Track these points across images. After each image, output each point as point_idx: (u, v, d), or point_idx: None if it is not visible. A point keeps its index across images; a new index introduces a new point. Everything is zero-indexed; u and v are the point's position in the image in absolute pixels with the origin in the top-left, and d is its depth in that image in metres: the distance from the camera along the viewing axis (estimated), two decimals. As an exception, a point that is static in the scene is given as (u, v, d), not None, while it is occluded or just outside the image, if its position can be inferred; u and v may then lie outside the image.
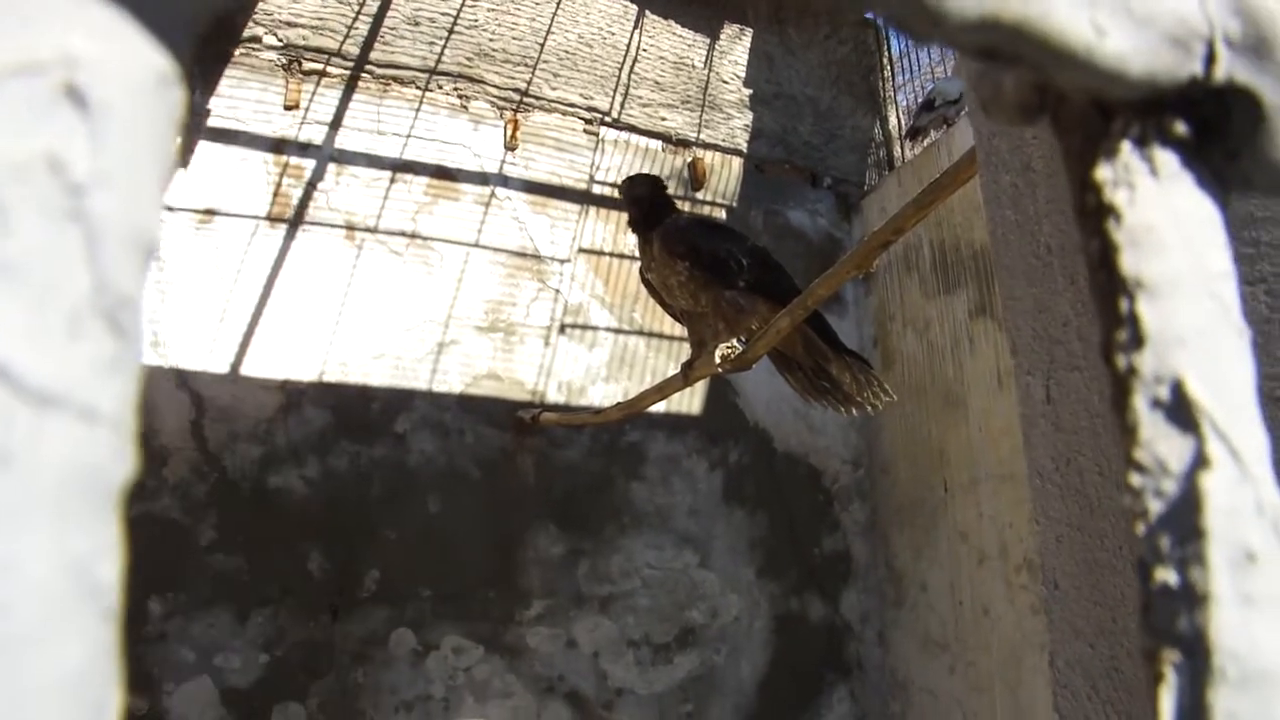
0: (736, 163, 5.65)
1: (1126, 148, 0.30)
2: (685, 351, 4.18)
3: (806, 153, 5.82)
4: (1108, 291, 0.30)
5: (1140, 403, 0.29)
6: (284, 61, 4.70)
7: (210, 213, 4.44)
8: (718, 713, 4.87)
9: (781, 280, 3.49)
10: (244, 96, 4.60)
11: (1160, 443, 0.28)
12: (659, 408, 4.62)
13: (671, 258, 3.40)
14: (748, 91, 5.71)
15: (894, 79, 6.12)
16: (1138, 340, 0.29)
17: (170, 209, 4.36)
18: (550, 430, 4.78)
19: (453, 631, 4.48)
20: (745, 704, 4.94)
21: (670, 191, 3.74)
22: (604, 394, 5.00)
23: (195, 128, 4.48)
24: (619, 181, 3.88)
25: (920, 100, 5.65)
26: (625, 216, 3.69)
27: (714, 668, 4.92)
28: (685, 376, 3.63)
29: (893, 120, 6.04)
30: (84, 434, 0.18)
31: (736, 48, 5.74)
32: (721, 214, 5.52)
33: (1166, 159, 0.31)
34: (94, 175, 0.19)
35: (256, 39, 4.64)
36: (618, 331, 5.14)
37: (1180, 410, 0.28)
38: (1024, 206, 1.72)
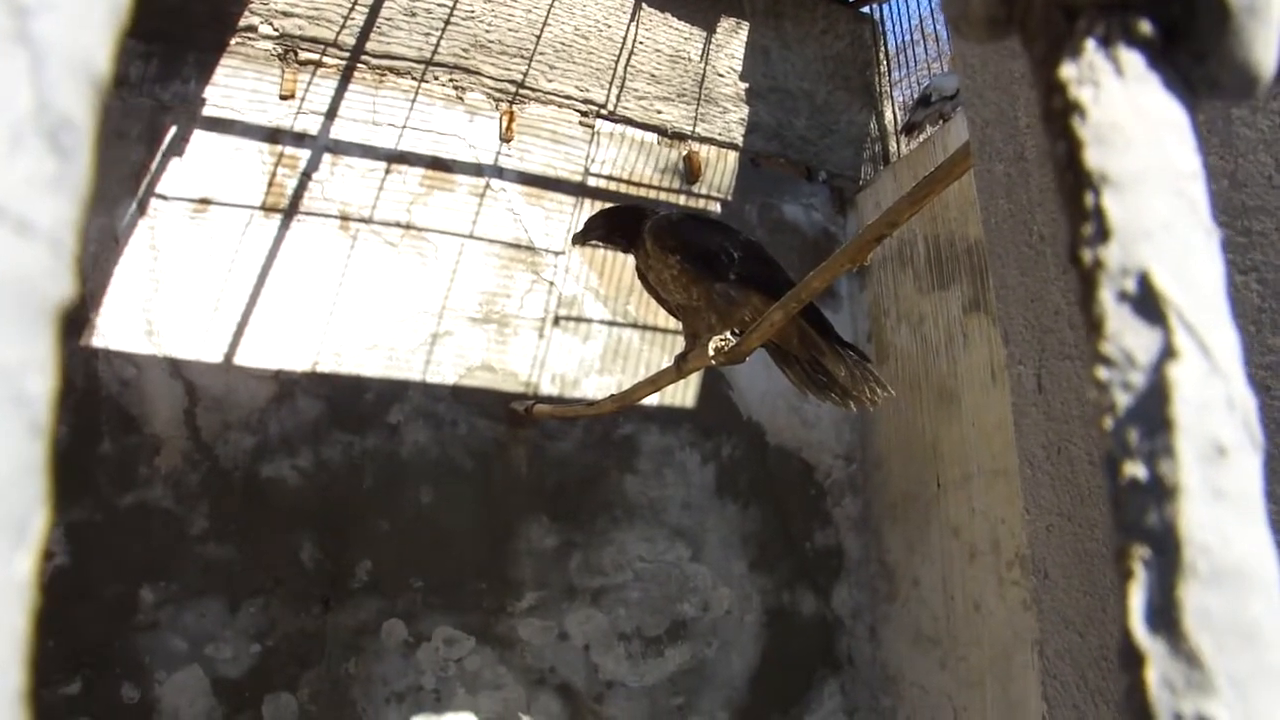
0: (732, 156, 5.66)
1: (1090, 46, 0.30)
2: (679, 344, 4.19)
3: (802, 147, 5.83)
4: (1073, 189, 0.30)
5: (1106, 295, 0.28)
6: (280, 51, 4.70)
7: (205, 202, 4.44)
8: (708, 706, 4.88)
9: (775, 274, 3.50)
10: (239, 86, 4.60)
11: (1127, 335, 0.28)
12: (652, 400, 4.63)
13: (663, 252, 3.41)
14: (744, 85, 5.71)
15: (890, 74, 6.13)
16: (1103, 234, 0.29)
17: (164, 198, 4.36)
18: (543, 422, 4.78)
19: (444, 623, 4.48)
20: (736, 697, 4.94)
21: (631, 205, 3.81)
22: (597, 386, 5.01)
23: (191, 117, 4.48)
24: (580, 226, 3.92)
25: (916, 95, 5.66)
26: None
27: (705, 661, 4.92)
28: (679, 369, 3.63)
29: (888, 115, 6.04)
30: (18, 246, 0.18)
31: (733, 41, 5.74)
32: (716, 208, 5.52)
33: (1132, 59, 0.30)
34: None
35: (252, 28, 4.64)
36: (611, 324, 5.14)
37: (1147, 302, 0.28)
38: (1017, 196, 1.72)
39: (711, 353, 3.39)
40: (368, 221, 4.73)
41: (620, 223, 3.64)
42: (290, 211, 4.60)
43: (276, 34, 4.69)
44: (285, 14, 4.70)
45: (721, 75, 5.67)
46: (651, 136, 5.48)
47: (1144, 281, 0.28)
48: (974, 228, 4.65)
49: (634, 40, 5.45)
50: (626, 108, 5.41)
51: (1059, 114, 0.30)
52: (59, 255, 0.18)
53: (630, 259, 3.79)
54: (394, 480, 4.52)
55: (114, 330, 4.19)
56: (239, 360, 4.37)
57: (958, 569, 4.74)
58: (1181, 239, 0.29)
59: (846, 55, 6.02)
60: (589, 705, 4.67)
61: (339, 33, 4.79)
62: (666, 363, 4.46)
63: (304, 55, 4.74)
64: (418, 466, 4.58)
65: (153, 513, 4.11)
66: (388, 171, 4.81)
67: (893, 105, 6.07)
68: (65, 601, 3.85)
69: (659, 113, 5.49)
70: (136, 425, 4.16)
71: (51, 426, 0.18)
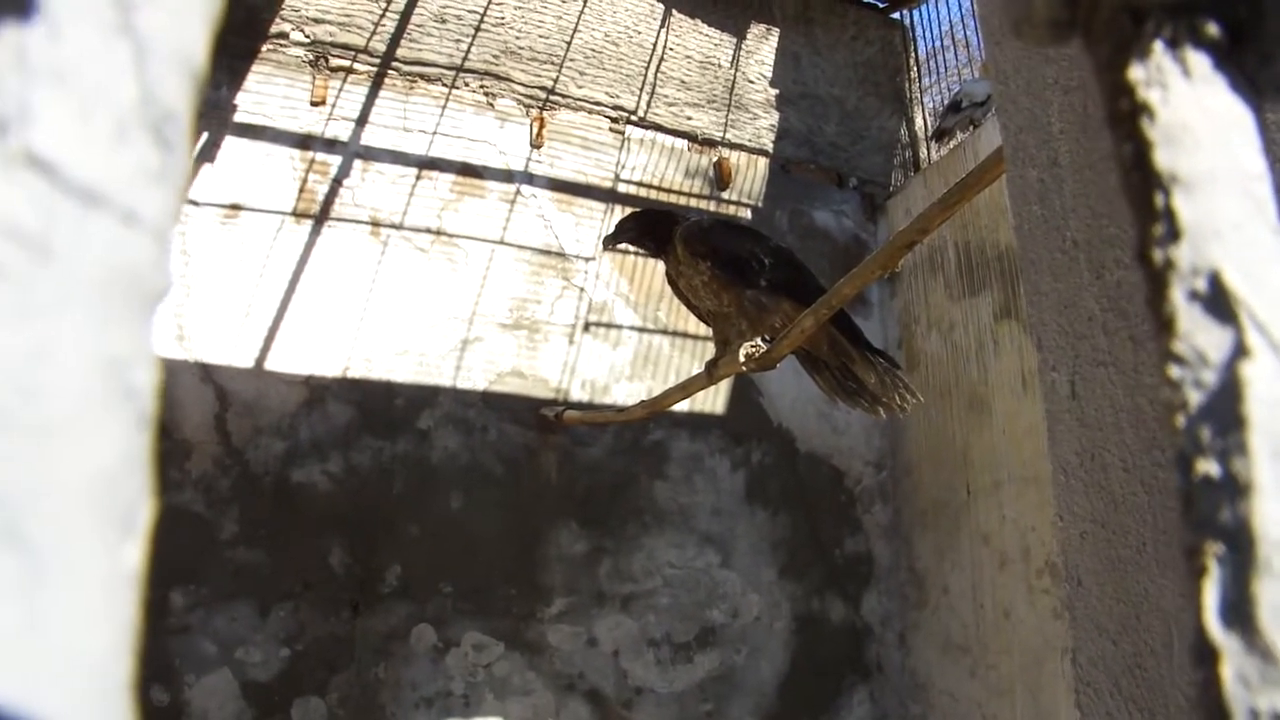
0: (762, 163, 5.65)
1: (1159, 48, 0.30)
2: (709, 350, 4.18)
3: (832, 153, 5.82)
4: (1142, 190, 0.30)
5: (1178, 295, 0.28)
6: (311, 58, 4.72)
7: (236, 208, 4.47)
8: (737, 712, 4.86)
9: (805, 280, 3.50)
10: (270, 93, 4.62)
11: (1199, 334, 0.28)
12: (682, 406, 4.62)
13: (694, 258, 3.42)
14: (774, 91, 5.71)
15: (920, 80, 6.11)
16: (1174, 234, 0.29)
17: (196, 204, 4.39)
18: (573, 428, 4.78)
19: (473, 628, 4.48)
20: (765, 704, 4.93)
21: (662, 210, 3.81)
22: (628, 392, 5.00)
23: (222, 123, 4.50)
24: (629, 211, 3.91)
25: (946, 102, 5.64)
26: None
27: (734, 667, 4.91)
28: (709, 375, 3.64)
29: (919, 121, 6.02)
30: (125, 236, 0.18)
31: (763, 47, 5.74)
32: (747, 214, 5.52)
33: (1199, 61, 0.30)
34: (142, -4, 0.19)
35: (283, 35, 4.66)
36: (642, 330, 5.14)
37: (1218, 301, 0.28)
38: (1050, 201, 1.72)
39: (742, 359, 3.39)
40: (398, 228, 4.74)
41: (651, 226, 3.65)
42: (321, 218, 4.62)
43: (308, 41, 4.71)
44: (316, 21, 4.72)
45: (752, 81, 5.67)
46: (682, 143, 5.48)
47: (1215, 281, 0.28)
48: (1004, 234, 4.64)
49: (664, 46, 5.45)
50: (657, 114, 5.41)
51: (1126, 115, 0.30)
52: (162, 246, 0.19)
53: (660, 265, 3.79)
54: (424, 485, 4.53)
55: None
56: (270, 365, 4.39)
57: (988, 576, 4.72)
58: (1250, 238, 0.29)
59: (877, 61, 6.01)
60: (618, 711, 4.66)
61: (370, 39, 4.81)
62: (697, 369, 4.45)
63: (335, 62, 4.76)
64: (448, 472, 4.59)
65: (183, 517, 4.12)
66: (418, 178, 4.82)
67: (923, 111, 6.06)
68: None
69: (689, 119, 5.49)
70: (167, 430, 4.18)
71: (156, 418, 0.18)
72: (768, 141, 5.66)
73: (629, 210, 4.40)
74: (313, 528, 4.30)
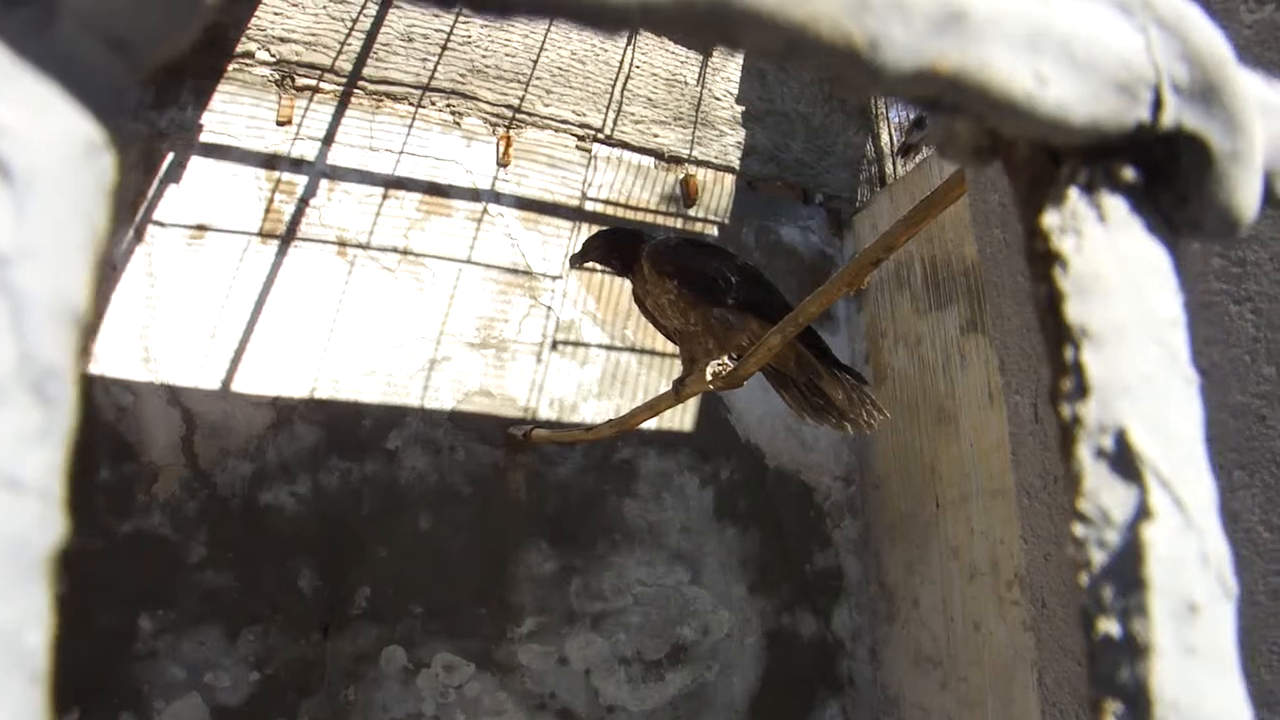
0: (729, 179, 5.66)
1: (1074, 194, 0.31)
2: (677, 368, 4.19)
3: (798, 169, 5.83)
4: (1054, 339, 0.30)
5: (1084, 452, 0.29)
6: (277, 77, 4.71)
7: (202, 229, 4.44)
8: (709, 730, 4.87)
9: (772, 298, 3.51)
10: (236, 112, 4.60)
11: (1104, 493, 0.28)
12: (651, 425, 4.62)
13: (661, 277, 3.43)
14: (740, 108, 5.72)
15: (886, 96, 6.12)
16: (1082, 389, 0.29)
17: (161, 225, 4.37)
18: (542, 447, 4.78)
19: (444, 649, 4.47)
20: (737, 721, 4.94)
21: (629, 228, 3.83)
22: (596, 411, 5.00)
23: (188, 143, 4.48)
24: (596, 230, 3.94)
25: (912, 117, 5.66)
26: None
27: (706, 684, 4.91)
28: (677, 393, 3.64)
29: (885, 137, 6.04)
30: (8, 503, 0.18)
31: (729, 64, 5.75)
32: (714, 231, 5.53)
33: (1115, 205, 0.31)
34: (18, 248, 0.19)
35: (249, 55, 4.65)
36: (609, 348, 5.15)
37: (1123, 460, 0.28)
38: (1012, 225, 1.73)
39: (710, 377, 3.39)
40: (365, 247, 4.73)
41: (618, 245, 3.66)
42: (287, 238, 4.60)
43: (273, 60, 4.69)
44: (282, 40, 4.71)
45: (718, 99, 5.68)
46: (648, 160, 5.49)
47: (1121, 439, 0.28)
48: (970, 249, 4.66)
49: (630, 64, 5.46)
50: (623, 132, 5.42)
51: (1041, 257, 0.30)
52: (48, 504, 0.19)
53: (627, 283, 3.80)
54: (392, 506, 4.52)
55: (111, 357, 4.18)
56: (236, 387, 4.37)
57: (957, 589, 4.73)
58: (1161, 390, 0.29)
59: (842, 77, 6.02)
60: (590, 730, 4.66)
61: (336, 58, 4.79)
62: (664, 387, 4.46)
63: (301, 81, 4.75)
64: (416, 492, 4.58)
65: (150, 541, 4.10)
66: (385, 197, 4.81)
67: (889, 127, 6.08)
68: (63, 631, 3.83)
69: (656, 136, 5.50)
70: (134, 453, 4.16)
71: (48, 673, 0.18)
72: (734, 158, 5.67)
73: (596, 229, 4.41)
74: (281, 550, 4.28)
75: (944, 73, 0.26)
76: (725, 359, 3.41)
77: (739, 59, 5.73)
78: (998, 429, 4.40)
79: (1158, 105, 0.30)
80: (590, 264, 3.78)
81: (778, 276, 5.02)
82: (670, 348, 4.61)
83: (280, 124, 4.68)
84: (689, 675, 4.89)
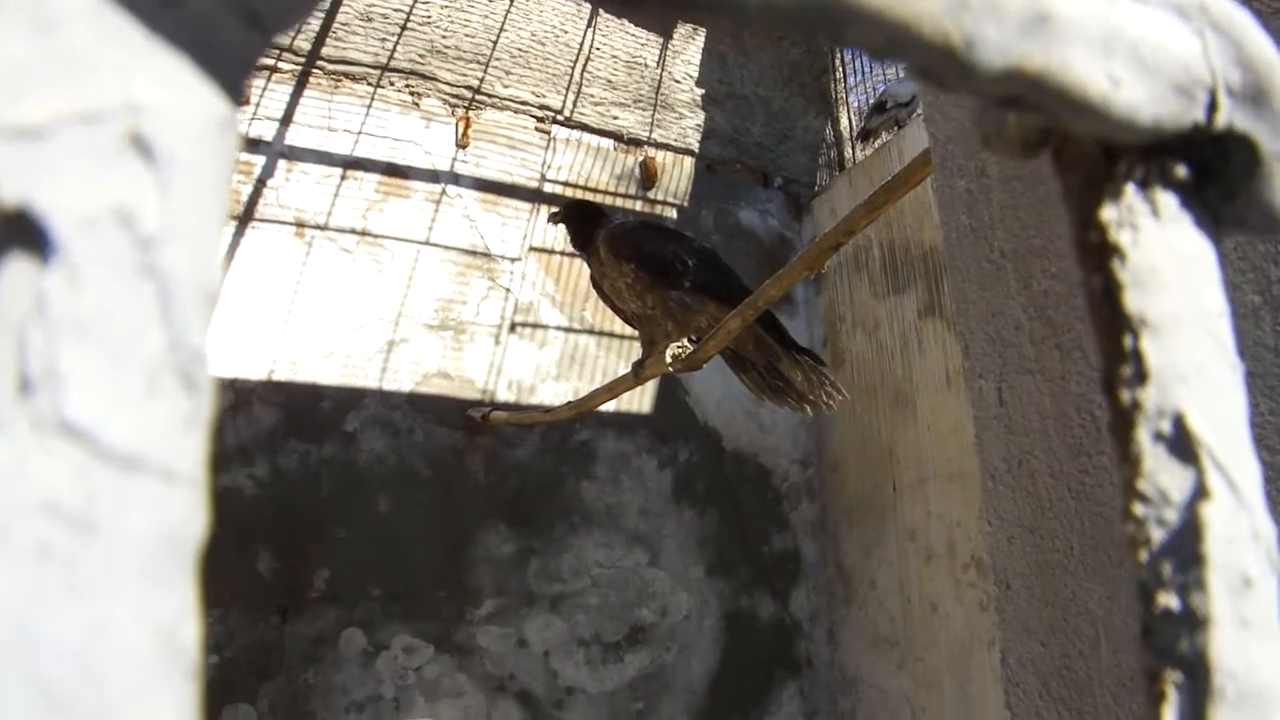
0: (688, 162, 5.67)
1: (1131, 190, 0.31)
2: (636, 350, 4.20)
3: (758, 153, 5.85)
4: (1111, 328, 0.31)
5: (1143, 436, 0.29)
6: (233, 57, 4.65)
7: (158, 209, 4.39)
8: (668, 711, 4.89)
9: (729, 281, 3.53)
10: (193, 92, 4.54)
11: (1162, 474, 0.29)
12: (609, 407, 4.62)
13: (618, 260, 3.44)
14: (700, 91, 5.72)
15: (845, 81, 6.15)
16: (1141, 376, 0.30)
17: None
18: (500, 429, 4.77)
19: (403, 631, 4.46)
20: (696, 702, 4.95)
21: (598, 206, 3.87)
22: (554, 393, 5.00)
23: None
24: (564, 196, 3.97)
25: (872, 102, 5.69)
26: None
27: (664, 666, 4.93)
28: (636, 376, 3.65)
29: (844, 121, 6.07)
30: (165, 495, 0.18)
31: (689, 47, 5.74)
32: (673, 213, 5.53)
33: (1167, 201, 0.32)
34: (163, 227, 0.19)
35: (205, 34, 4.59)
36: (568, 330, 5.14)
37: (1181, 443, 0.29)
38: (978, 212, 1.74)
39: (669, 360, 3.41)
40: (323, 228, 4.69)
41: (583, 215, 3.69)
42: (245, 219, 4.55)
43: (230, 39, 4.64)
44: (239, 19, 4.65)
45: (678, 81, 5.68)
46: (608, 142, 5.48)
47: (1179, 423, 0.29)
48: (929, 233, 4.69)
49: (590, 46, 5.44)
50: (583, 114, 5.40)
51: (1096, 250, 0.31)
52: (197, 494, 0.19)
53: (584, 264, 3.81)
54: (351, 489, 4.50)
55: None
56: (194, 369, 4.33)
57: (914, 571, 4.77)
58: (1212, 378, 0.30)
59: (802, 62, 6.04)
60: (549, 712, 4.66)
61: (294, 38, 4.74)
62: (623, 369, 4.46)
63: (259, 60, 4.69)
64: (375, 475, 4.56)
65: (107, 524, 4.06)
66: (343, 178, 4.77)
67: (848, 111, 6.11)
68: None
69: (615, 119, 5.49)
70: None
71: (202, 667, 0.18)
72: (694, 141, 5.68)
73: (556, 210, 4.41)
74: (240, 533, 4.25)
75: (1030, 72, 0.27)
76: (684, 341, 3.43)
77: (699, 41, 5.73)
78: (955, 412, 4.44)
79: (1212, 107, 0.31)
80: (559, 222, 3.81)
81: (736, 260, 5.03)
82: (629, 330, 4.61)
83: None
84: (648, 656, 4.91)
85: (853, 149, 5.91)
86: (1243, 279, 1.24)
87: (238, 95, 0.21)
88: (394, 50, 4.96)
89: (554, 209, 3.83)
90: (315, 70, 4.80)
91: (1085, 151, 0.32)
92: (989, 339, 1.68)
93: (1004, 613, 1.67)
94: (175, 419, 0.18)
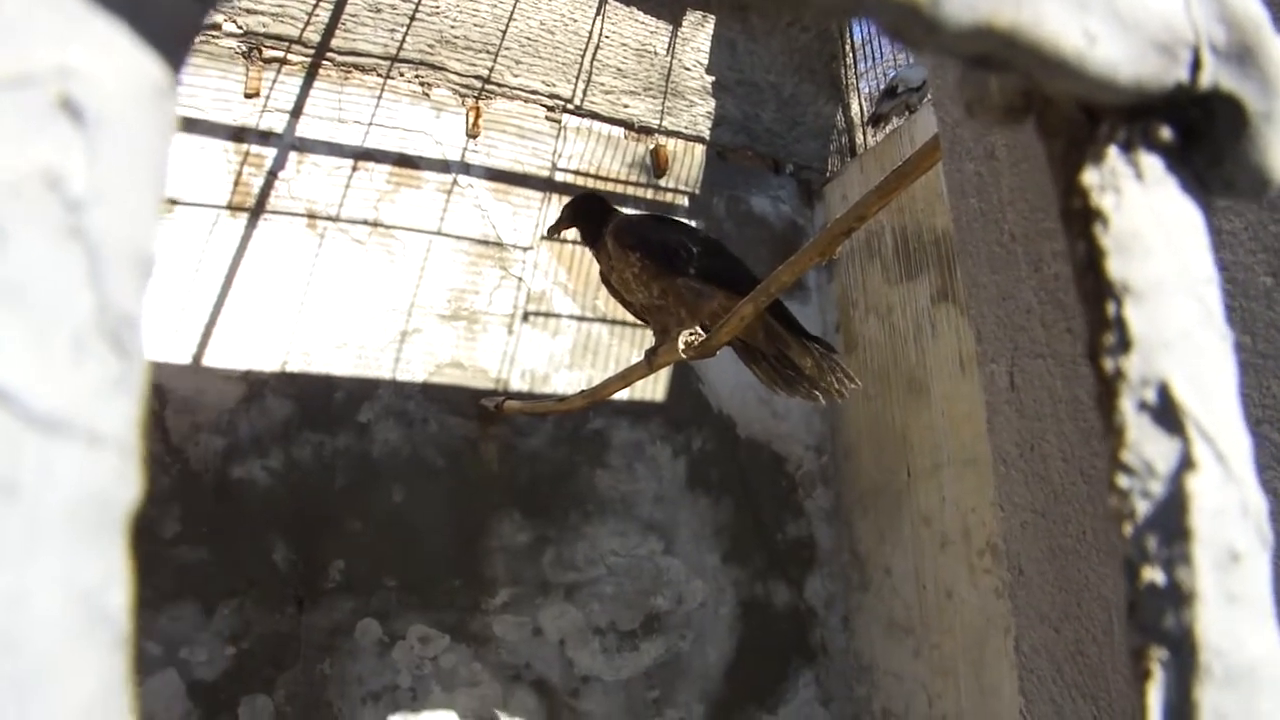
0: (699, 150, 5.65)
1: (1113, 153, 0.31)
2: (648, 339, 4.19)
3: (769, 140, 5.83)
4: (1094, 295, 0.30)
5: (1127, 405, 0.29)
6: (244, 49, 4.66)
7: (171, 202, 4.40)
8: (684, 698, 4.89)
9: (736, 268, 3.54)
10: (203, 84, 4.55)
11: (1147, 445, 0.29)
12: (622, 395, 4.62)
13: (624, 250, 3.46)
14: (710, 78, 5.71)
15: (856, 66, 6.13)
16: (1125, 344, 0.29)
17: (129, 198, 4.32)
18: (514, 418, 4.77)
19: (419, 621, 4.47)
20: (712, 689, 4.96)
21: (602, 198, 3.86)
22: (568, 381, 5.00)
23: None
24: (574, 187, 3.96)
25: (882, 87, 5.67)
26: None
27: (680, 654, 4.93)
28: (649, 364, 3.65)
29: (855, 107, 6.05)
30: (91, 459, 0.18)
31: (699, 34, 5.73)
32: (684, 201, 5.52)
33: (1152, 164, 0.31)
34: (92, 190, 0.19)
35: (216, 26, 4.60)
36: (581, 319, 5.14)
37: (1166, 413, 0.29)
38: (988, 195, 1.73)
39: (682, 347, 3.40)
40: (335, 220, 4.70)
41: (587, 210, 3.69)
42: (257, 211, 4.56)
43: (240, 31, 4.64)
44: (249, 11, 4.66)
45: (688, 69, 5.66)
46: (619, 131, 5.47)
47: (1164, 392, 0.28)
48: (941, 218, 4.67)
49: (600, 34, 5.43)
50: (593, 102, 5.39)
51: (1079, 215, 0.30)
52: (126, 458, 0.18)
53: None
54: (365, 479, 4.50)
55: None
56: (207, 361, 4.34)
57: (929, 557, 4.76)
58: (1199, 346, 0.29)
59: (812, 48, 6.02)
60: (565, 700, 4.67)
61: (303, 30, 4.75)
62: (636, 357, 4.46)
63: (268, 53, 4.70)
64: (389, 465, 4.56)
65: (123, 516, 4.07)
66: (354, 169, 4.78)
67: (859, 97, 6.08)
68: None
69: (626, 107, 5.48)
70: (105, 428, 4.12)
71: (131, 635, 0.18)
72: (704, 129, 5.66)
73: (566, 200, 4.40)
74: (255, 524, 4.26)
75: (1000, 29, 0.26)
76: (697, 329, 3.43)
77: (709, 28, 5.72)
78: (969, 398, 4.43)
79: (1196, 66, 0.30)
80: (563, 233, 3.80)
81: (749, 246, 5.03)
82: (642, 318, 4.62)
83: (248, 96, 4.63)
84: (663, 645, 4.91)
85: (864, 134, 5.90)
86: (1254, 260, 1.22)
87: (177, 62, 0.21)
88: (403, 41, 4.96)
89: (561, 208, 3.80)
90: (325, 62, 4.80)
91: (1066, 114, 0.31)
92: (1000, 323, 1.68)
93: (1017, 598, 1.67)
94: (103, 383, 0.18)
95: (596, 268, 3.89)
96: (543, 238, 3.76)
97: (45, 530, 0.17)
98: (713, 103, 5.70)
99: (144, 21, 0.20)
